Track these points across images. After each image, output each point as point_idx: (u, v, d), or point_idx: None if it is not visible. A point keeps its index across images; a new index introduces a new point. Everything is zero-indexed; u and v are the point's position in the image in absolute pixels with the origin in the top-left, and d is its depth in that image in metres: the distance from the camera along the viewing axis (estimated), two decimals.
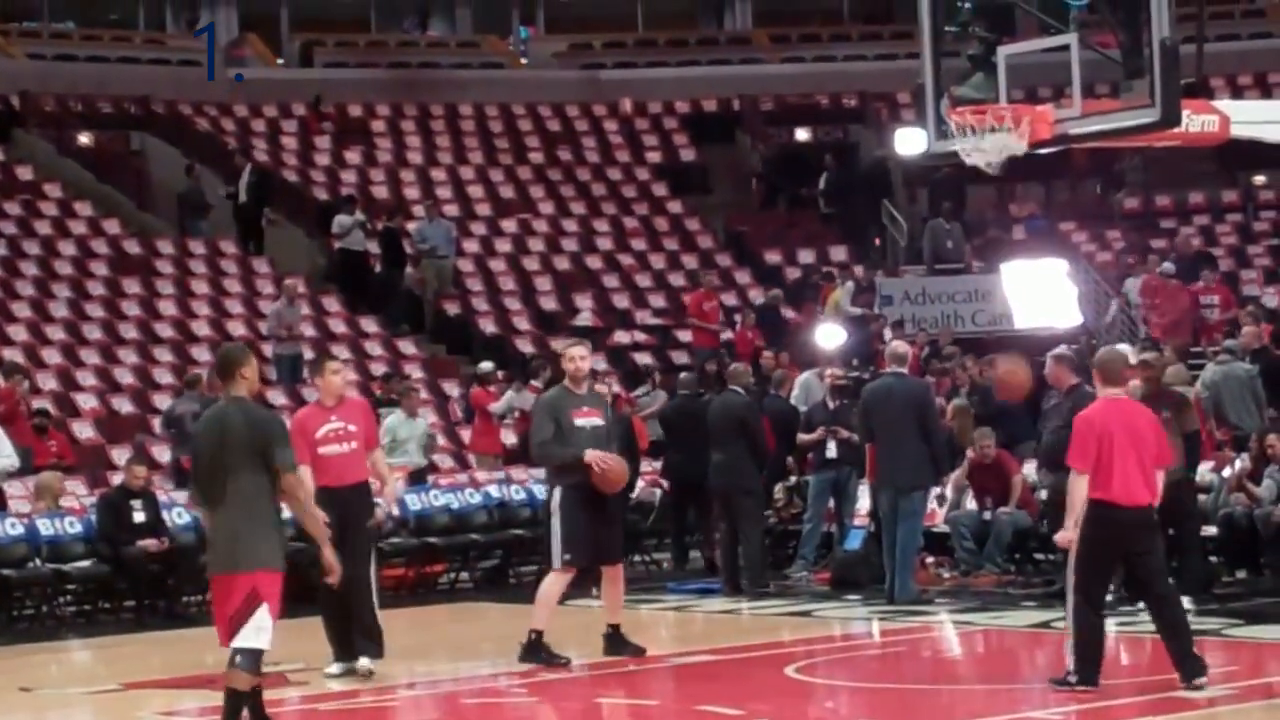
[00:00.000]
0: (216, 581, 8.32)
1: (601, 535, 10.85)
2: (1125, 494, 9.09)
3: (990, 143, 10.51)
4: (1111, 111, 10.75)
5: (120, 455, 17.18)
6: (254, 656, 8.14)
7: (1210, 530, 13.58)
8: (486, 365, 19.47)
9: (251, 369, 8.38)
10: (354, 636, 10.55)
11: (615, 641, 11.05)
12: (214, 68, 26.06)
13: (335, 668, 10.62)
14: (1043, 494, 13.54)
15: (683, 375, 17.94)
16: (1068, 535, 9.16)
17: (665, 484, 16.80)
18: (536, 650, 10.81)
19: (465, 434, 19.41)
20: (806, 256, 24.53)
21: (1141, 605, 11.97)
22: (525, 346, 21.66)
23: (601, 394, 11.45)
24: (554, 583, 10.93)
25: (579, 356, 11.01)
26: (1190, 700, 9.16)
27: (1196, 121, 10.89)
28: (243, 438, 8.18)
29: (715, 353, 20.50)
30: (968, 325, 21.91)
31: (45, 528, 14.69)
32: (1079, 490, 9.07)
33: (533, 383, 18.41)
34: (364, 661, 10.58)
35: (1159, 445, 9.32)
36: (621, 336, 22.42)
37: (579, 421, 10.80)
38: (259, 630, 8.10)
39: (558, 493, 10.94)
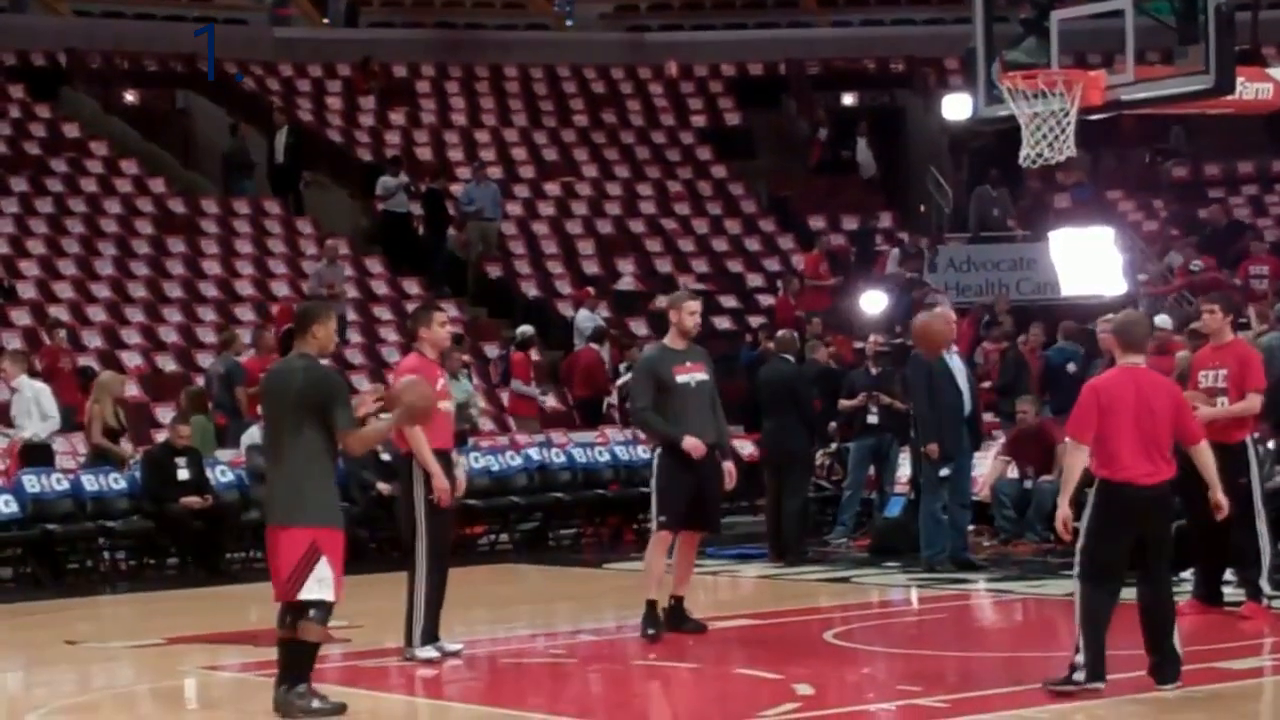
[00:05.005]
0: (271, 533, 8.38)
1: (698, 500, 10.34)
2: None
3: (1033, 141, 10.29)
4: (1165, 78, 10.64)
5: (165, 413, 17.27)
6: (325, 609, 8.26)
7: None
8: (527, 329, 19.44)
9: (324, 327, 8.43)
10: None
11: (677, 616, 10.59)
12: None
13: (431, 650, 9.97)
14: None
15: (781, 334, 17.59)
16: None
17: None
18: (646, 618, 10.44)
19: (506, 397, 19.43)
20: (850, 222, 24.42)
21: (1184, 575, 11.94)
22: (567, 310, 21.65)
23: (702, 350, 10.67)
24: (653, 548, 10.45)
25: (695, 310, 10.38)
26: (1233, 670, 9.12)
27: (1250, 89, 10.78)
28: (301, 394, 8.25)
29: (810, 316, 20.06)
30: (1013, 293, 21.75)
31: (90, 484, 14.84)
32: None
33: (590, 345, 18.38)
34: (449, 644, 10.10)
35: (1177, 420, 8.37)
36: (663, 301, 22.34)
37: (681, 378, 10.25)
38: (321, 582, 8.20)
39: (658, 454, 10.51)
